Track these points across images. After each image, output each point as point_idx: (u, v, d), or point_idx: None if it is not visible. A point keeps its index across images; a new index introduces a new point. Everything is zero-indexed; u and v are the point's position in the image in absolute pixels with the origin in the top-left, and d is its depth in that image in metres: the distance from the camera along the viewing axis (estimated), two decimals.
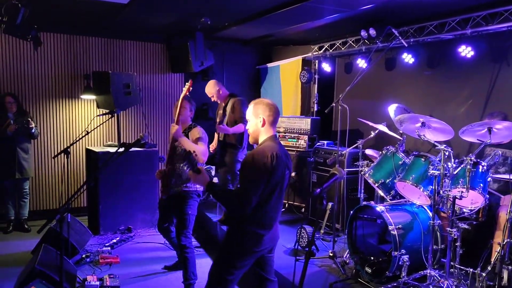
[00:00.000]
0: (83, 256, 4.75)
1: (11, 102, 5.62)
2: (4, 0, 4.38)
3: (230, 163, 5.53)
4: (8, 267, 4.56)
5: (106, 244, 5.19)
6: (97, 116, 5.95)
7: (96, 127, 6.28)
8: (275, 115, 2.82)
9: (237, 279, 2.79)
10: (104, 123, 6.55)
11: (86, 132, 5.09)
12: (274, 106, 2.84)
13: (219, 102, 5.74)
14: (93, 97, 6.41)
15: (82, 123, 6.65)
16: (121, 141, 6.39)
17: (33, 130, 5.62)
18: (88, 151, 6.13)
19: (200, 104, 7.55)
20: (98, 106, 6.40)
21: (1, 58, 6.10)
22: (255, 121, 2.83)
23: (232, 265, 2.74)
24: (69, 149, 4.60)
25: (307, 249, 4.98)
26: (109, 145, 6.34)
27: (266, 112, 2.80)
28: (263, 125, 2.80)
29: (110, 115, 5.55)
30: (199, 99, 7.53)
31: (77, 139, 5.09)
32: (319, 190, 2.08)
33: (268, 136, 2.81)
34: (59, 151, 5.23)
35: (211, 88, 5.64)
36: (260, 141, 2.83)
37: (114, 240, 5.33)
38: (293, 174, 6.66)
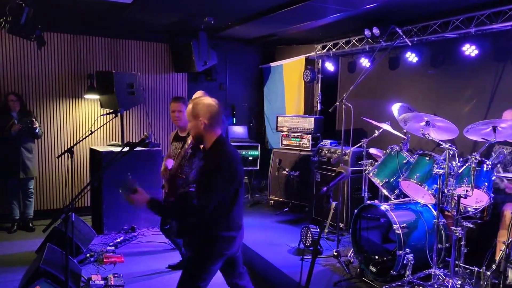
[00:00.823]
0: (87, 255, 4.76)
1: (14, 100, 5.64)
2: (9, 0, 4.39)
3: None
4: (13, 267, 4.56)
5: (110, 244, 5.20)
6: (100, 115, 5.97)
7: (100, 127, 6.30)
8: (217, 117, 2.68)
9: (208, 284, 2.76)
10: (108, 123, 6.56)
11: (90, 132, 5.10)
12: (215, 108, 2.68)
13: None
14: (96, 96, 6.42)
15: (86, 123, 6.66)
16: (125, 141, 6.41)
17: (37, 130, 5.63)
18: (92, 151, 6.14)
19: None
20: (101, 106, 6.42)
21: (5, 58, 6.12)
22: (195, 122, 2.68)
23: (206, 271, 2.70)
24: (73, 149, 4.60)
25: (311, 248, 4.98)
26: (113, 145, 6.35)
27: (206, 115, 2.65)
28: (204, 128, 2.67)
29: (113, 115, 5.56)
30: None
31: (81, 138, 5.10)
32: (325, 188, 2.07)
33: (215, 138, 2.70)
34: (63, 150, 5.23)
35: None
36: (208, 144, 2.72)
37: (118, 240, 5.34)
38: (296, 173, 6.66)
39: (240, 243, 2.86)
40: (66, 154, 4.64)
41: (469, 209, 3.86)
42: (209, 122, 2.66)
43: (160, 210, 2.71)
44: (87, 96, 6.54)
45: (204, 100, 2.71)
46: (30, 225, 5.85)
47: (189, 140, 3.84)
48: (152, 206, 2.62)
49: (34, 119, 5.62)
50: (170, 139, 4.43)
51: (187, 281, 2.70)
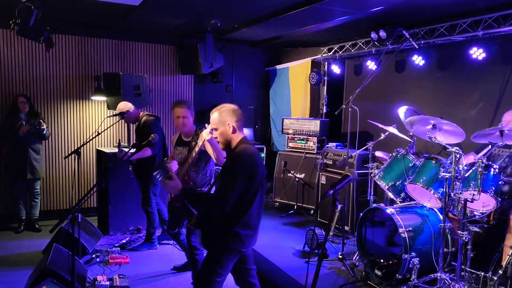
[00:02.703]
0: (93, 256, 4.79)
1: (23, 102, 5.70)
2: (18, 2, 4.43)
3: (146, 186, 5.12)
4: (19, 267, 4.60)
5: (116, 245, 5.23)
6: (107, 117, 5.99)
7: (107, 128, 6.33)
8: (242, 119, 2.88)
9: (224, 279, 2.86)
10: (115, 124, 6.60)
11: (96, 133, 5.13)
12: (239, 111, 2.89)
13: (131, 124, 5.34)
14: (103, 98, 6.46)
15: (93, 124, 6.71)
16: (131, 142, 6.43)
17: (44, 131, 5.68)
18: (99, 152, 6.18)
19: (209, 106, 7.58)
20: (108, 107, 6.45)
21: (14, 59, 6.17)
22: (224, 128, 2.84)
23: (222, 266, 2.81)
24: (80, 150, 4.63)
25: (316, 251, 4.97)
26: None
27: (233, 118, 2.84)
28: (233, 131, 2.84)
29: (120, 116, 5.58)
30: (208, 101, 7.57)
31: (88, 140, 5.13)
32: (332, 191, 2.07)
33: (239, 139, 2.86)
34: (70, 152, 5.27)
35: (121, 110, 5.16)
36: (233, 146, 2.87)
37: (124, 241, 5.37)
38: (302, 176, 6.66)
39: (254, 243, 2.93)
40: (73, 155, 4.67)
41: (475, 213, 3.83)
42: (236, 125, 2.83)
43: (190, 198, 2.84)
44: (94, 98, 6.58)
45: (226, 106, 2.87)
46: (36, 225, 5.89)
47: (197, 148, 3.81)
48: (185, 193, 2.81)
49: (41, 121, 5.66)
50: (172, 141, 4.41)
51: (204, 275, 2.82)
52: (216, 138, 2.93)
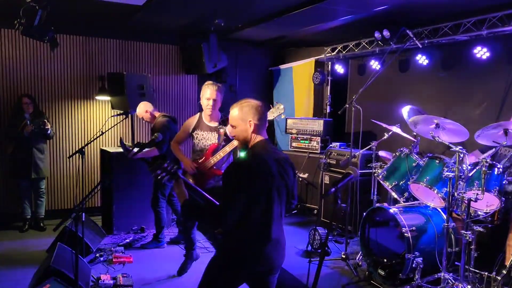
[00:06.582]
0: (97, 255, 4.81)
1: (28, 103, 5.73)
2: (22, 3, 4.46)
3: (155, 187, 5.27)
4: (24, 266, 4.62)
5: (120, 244, 5.24)
6: (111, 116, 6.02)
7: (111, 128, 6.35)
8: (264, 118, 2.54)
9: None
10: (118, 124, 6.63)
11: (100, 133, 5.15)
12: (262, 108, 2.53)
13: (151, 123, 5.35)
14: (107, 98, 6.49)
15: (97, 124, 6.73)
16: (135, 141, 6.46)
17: (48, 131, 5.71)
18: (103, 152, 6.20)
19: None
20: (112, 107, 6.48)
21: (19, 59, 6.21)
22: (245, 126, 2.50)
23: (218, 282, 2.53)
24: (84, 150, 4.64)
25: (319, 250, 4.97)
26: None
27: (256, 115, 2.49)
28: (254, 129, 2.50)
29: (124, 116, 5.61)
30: None
31: (92, 139, 5.15)
32: (334, 189, 2.07)
33: (258, 140, 2.52)
34: (74, 151, 5.30)
35: (140, 110, 5.24)
36: (250, 146, 2.54)
37: (128, 240, 5.39)
38: (305, 175, 6.66)
39: (260, 266, 2.49)
40: (77, 154, 4.69)
41: (479, 212, 3.82)
42: (259, 123, 2.50)
43: (192, 212, 2.58)
44: (98, 98, 6.61)
45: (251, 102, 2.54)
46: (41, 224, 5.93)
47: (222, 153, 3.83)
48: (184, 205, 2.53)
49: (46, 120, 5.70)
50: (189, 125, 4.27)
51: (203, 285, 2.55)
52: (234, 136, 2.63)
